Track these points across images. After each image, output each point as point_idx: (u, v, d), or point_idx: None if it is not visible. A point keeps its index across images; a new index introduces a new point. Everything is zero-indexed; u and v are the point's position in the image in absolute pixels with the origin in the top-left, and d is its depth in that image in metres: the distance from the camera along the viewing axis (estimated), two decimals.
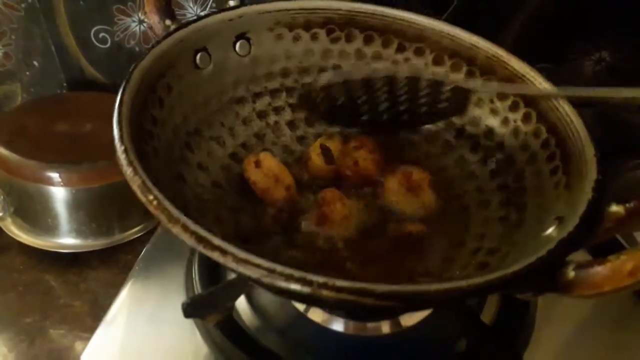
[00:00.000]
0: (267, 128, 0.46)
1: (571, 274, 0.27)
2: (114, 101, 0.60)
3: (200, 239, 0.27)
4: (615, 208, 0.29)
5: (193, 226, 0.28)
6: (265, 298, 0.42)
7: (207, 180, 0.40)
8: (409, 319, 0.41)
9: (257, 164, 0.40)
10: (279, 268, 0.26)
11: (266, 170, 0.40)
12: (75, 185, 0.54)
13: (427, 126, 0.46)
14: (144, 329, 0.40)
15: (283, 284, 0.26)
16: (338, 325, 0.41)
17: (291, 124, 0.47)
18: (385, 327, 0.41)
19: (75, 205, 0.56)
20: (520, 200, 0.38)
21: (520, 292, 0.29)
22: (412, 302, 0.26)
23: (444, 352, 0.39)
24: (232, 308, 0.40)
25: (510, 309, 0.40)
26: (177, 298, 0.41)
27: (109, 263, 0.57)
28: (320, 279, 0.26)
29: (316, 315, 0.42)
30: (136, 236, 0.59)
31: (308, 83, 0.46)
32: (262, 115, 0.46)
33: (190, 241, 0.28)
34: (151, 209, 0.29)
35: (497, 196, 0.40)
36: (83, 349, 0.47)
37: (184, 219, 0.28)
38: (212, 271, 0.43)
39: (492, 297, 0.41)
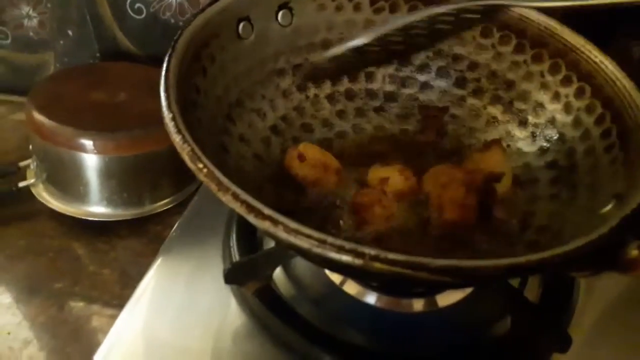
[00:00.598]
0: (307, 101, 0.45)
1: (634, 252, 0.25)
2: (148, 72, 0.61)
3: (251, 208, 0.27)
4: None
5: (243, 195, 0.27)
6: (301, 269, 0.42)
7: (249, 152, 0.40)
8: (447, 298, 0.40)
9: (301, 158, 0.39)
10: (330, 239, 0.26)
11: (312, 162, 0.39)
12: (108, 153, 0.54)
13: (472, 101, 0.44)
14: (179, 298, 0.40)
15: (335, 255, 0.25)
16: (371, 298, 0.41)
17: (330, 98, 0.46)
18: (419, 305, 0.40)
19: (108, 173, 0.56)
20: (572, 178, 0.36)
21: (578, 270, 0.28)
22: (468, 278, 0.25)
23: (483, 333, 0.38)
24: (271, 277, 0.40)
25: (553, 288, 0.39)
26: (213, 267, 0.41)
27: (138, 233, 0.57)
28: (372, 251, 0.25)
29: (351, 287, 0.41)
30: (166, 208, 0.59)
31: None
32: (302, 87, 0.45)
33: (240, 210, 0.27)
34: (201, 177, 0.28)
35: (546, 174, 0.38)
36: (111, 315, 0.48)
37: (234, 187, 0.27)
38: (249, 241, 0.42)
39: (534, 276, 0.40)
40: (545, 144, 0.40)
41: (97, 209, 0.57)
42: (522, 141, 0.41)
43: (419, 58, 0.46)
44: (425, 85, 0.46)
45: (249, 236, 0.43)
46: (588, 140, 0.37)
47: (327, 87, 0.46)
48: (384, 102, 0.46)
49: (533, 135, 0.41)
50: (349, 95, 0.46)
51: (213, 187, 0.27)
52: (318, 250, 0.26)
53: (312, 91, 0.45)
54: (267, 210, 0.26)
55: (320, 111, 0.45)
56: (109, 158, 0.55)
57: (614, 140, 0.35)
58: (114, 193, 0.57)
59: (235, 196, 0.27)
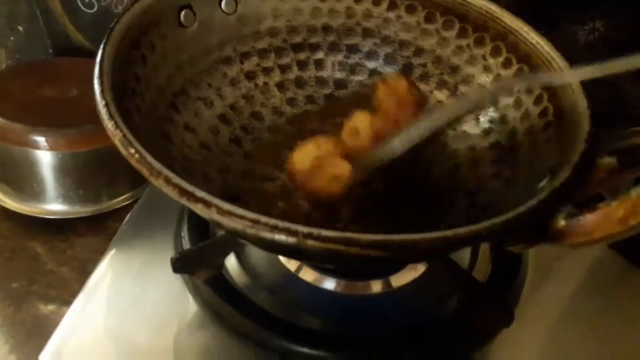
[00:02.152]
0: (256, 89, 0.45)
1: (562, 222, 0.26)
2: None
3: (183, 192, 0.27)
4: (608, 159, 0.29)
5: (176, 179, 0.27)
6: (255, 258, 0.42)
7: (195, 141, 0.40)
8: (400, 279, 0.41)
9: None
10: (263, 219, 0.26)
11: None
12: (61, 149, 0.53)
13: (419, 86, 0.45)
14: (131, 289, 0.40)
15: (267, 234, 0.26)
16: (329, 284, 0.41)
17: (280, 86, 0.46)
18: (377, 287, 0.41)
19: (62, 170, 0.55)
20: (512, 158, 0.37)
21: (511, 244, 0.29)
22: (398, 252, 0.25)
23: (435, 312, 0.39)
24: (222, 265, 0.40)
25: (501, 267, 0.40)
26: (165, 258, 0.41)
27: (96, 230, 0.56)
28: (305, 229, 0.25)
29: (307, 274, 0.41)
30: (124, 204, 0.58)
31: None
32: (250, 76, 0.45)
33: (172, 194, 0.27)
34: (132, 162, 0.28)
35: (489, 155, 0.39)
36: None
37: (166, 171, 0.27)
38: (200, 230, 0.42)
39: (484, 256, 0.41)
40: (488, 126, 0.41)
41: (53, 206, 0.56)
42: (467, 124, 0.42)
43: (367, 45, 0.46)
44: (374, 72, 0.46)
45: (200, 226, 0.43)
46: (528, 120, 0.38)
47: (276, 75, 0.46)
48: (334, 90, 0.47)
49: (477, 118, 0.42)
50: (299, 83, 0.46)
51: (145, 172, 0.27)
52: (251, 231, 0.26)
53: (261, 79, 0.45)
54: (199, 193, 0.26)
55: (270, 99, 0.45)
56: (62, 154, 0.54)
57: (551, 118, 0.35)
58: (70, 190, 0.56)
59: (167, 180, 0.27)
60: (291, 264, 0.42)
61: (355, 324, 0.39)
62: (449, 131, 0.43)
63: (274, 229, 0.25)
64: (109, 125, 0.29)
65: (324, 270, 0.41)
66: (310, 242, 0.25)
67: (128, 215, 0.46)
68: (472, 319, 0.36)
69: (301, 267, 0.42)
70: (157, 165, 0.27)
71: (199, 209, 0.26)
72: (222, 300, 0.38)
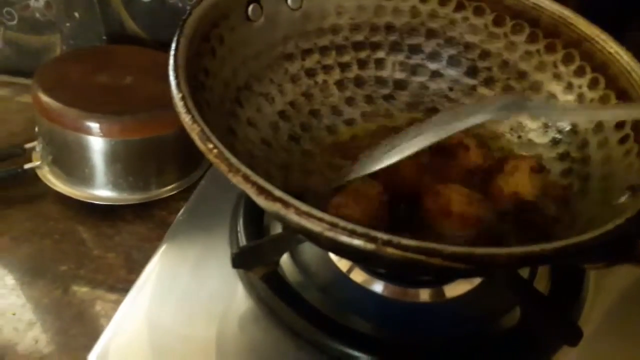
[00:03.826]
0: (315, 87, 0.45)
1: None
2: (155, 56, 0.61)
3: (261, 190, 0.26)
4: None
5: (254, 176, 0.27)
6: (308, 256, 0.42)
7: (257, 137, 0.40)
8: (453, 290, 0.40)
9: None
10: (342, 223, 0.25)
11: None
12: (114, 136, 0.54)
13: (483, 91, 0.44)
14: (184, 282, 0.40)
15: (346, 239, 0.25)
16: (379, 287, 0.40)
17: (339, 84, 0.45)
18: (426, 295, 0.40)
19: (113, 157, 0.55)
20: (584, 170, 0.36)
21: (592, 262, 0.28)
22: (481, 265, 0.24)
23: (492, 324, 0.38)
24: (278, 262, 0.40)
25: (563, 280, 0.39)
26: (220, 253, 0.41)
27: (143, 218, 0.57)
28: (384, 236, 0.25)
29: (358, 276, 0.41)
30: (172, 193, 0.58)
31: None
32: (310, 73, 0.45)
33: (251, 192, 0.27)
34: (211, 157, 0.28)
35: (558, 165, 0.38)
36: (116, 299, 0.48)
37: (244, 168, 0.27)
38: (257, 226, 0.42)
39: (543, 268, 0.40)
40: (557, 136, 0.40)
41: (102, 192, 0.57)
42: (534, 132, 0.41)
43: (430, 46, 0.45)
44: (435, 74, 0.46)
45: (256, 221, 0.43)
46: (601, 132, 0.37)
47: (336, 74, 0.45)
48: (393, 90, 0.46)
49: (545, 127, 0.41)
50: (358, 82, 0.46)
51: (223, 168, 0.27)
52: (330, 233, 0.25)
53: (321, 77, 0.45)
54: (278, 192, 0.26)
55: (328, 97, 0.45)
56: (114, 141, 0.54)
57: (628, 131, 0.34)
58: (120, 177, 0.57)
59: (246, 177, 0.27)
60: (343, 264, 0.42)
61: (407, 331, 0.39)
62: (514, 138, 0.42)
63: (353, 233, 0.25)
64: (186, 118, 0.29)
65: (375, 273, 0.41)
66: (389, 250, 0.25)
67: (183, 208, 0.46)
68: (535, 333, 0.35)
69: (352, 268, 0.41)
70: (235, 161, 0.27)
71: (277, 208, 0.26)
72: (276, 297, 0.38)
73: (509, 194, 0.36)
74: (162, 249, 0.43)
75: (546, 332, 0.35)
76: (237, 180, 0.27)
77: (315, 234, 0.26)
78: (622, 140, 0.34)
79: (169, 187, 0.59)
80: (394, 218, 0.36)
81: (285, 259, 0.41)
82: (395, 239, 0.25)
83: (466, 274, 0.33)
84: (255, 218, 0.43)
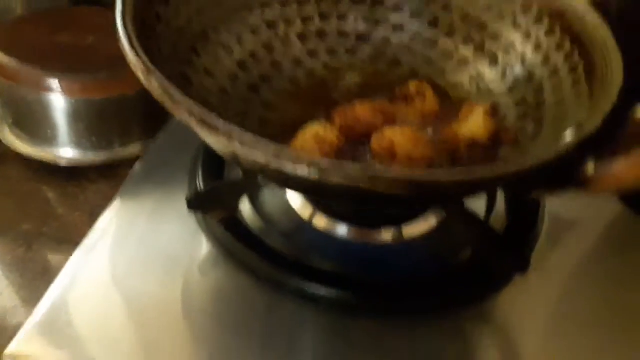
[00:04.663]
0: (277, 39, 0.44)
1: (591, 169, 0.25)
2: None
3: (204, 122, 0.26)
4: None
5: (198, 109, 0.27)
6: (270, 205, 0.42)
7: (214, 86, 0.39)
8: (414, 229, 0.41)
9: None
10: (286, 151, 0.25)
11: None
12: (75, 95, 0.53)
13: (445, 42, 0.44)
14: (142, 230, 0.40)
15: (290, 168, 0.25)
16: (341, 230, 0.41)
17: (302, 37, 0.45)
18: (387, 236, 0.40)
19: (75, 116, 0.54)
20: (538, 114, 0.36)
21: (538, 189, 0.28)
22: (423, 190, 0.25)
23: (449, 261, 0.39)
24: (237, 207, 0.40)
25: (517, 220, 0.39)
26: (178, 200, 0.41)
27: (108, 177, 0.56)
28: (327, 163, 0.25)
29: (320, 221, 0.41)
30: (136, 153, 0.57)
31: None
32: (271, 25, 0.44)
33: (194, 124, 0.26)
34: (155, 92, 0.28)
35: (515, 111, 0.38)
36: None
37: (189, 102, 0.27)
38: (215, 173, 0.42)
39: (499, 207, 0.40)
40: (514, 83, 0.40)
41: (65, 152, 0.56)
42: (492, 81, 0.41)
43: None
44: (397, 27, 0.45)
45: (215, 169, 0.42)
46: (556, 76, 0.37)
47: (298, 26, 0.45)
48: (355, 43, 0.46)
49: (503, 75, 0.41)
50: (321, 35, 0.45)
51: (167, 101, 0.27)
52: (275, 164, 0.25)
53: (282, 29, 0.44)
54: (222, 124, 0.26)
55: (290, 49, 0.44)
56: (75, 100, 0.53)
57: (581, 74, 0.35)
58: (83, 137, 0.56)
59: (190, 111, 0.26)
60: (305, 212, 0.42)
61: (368, 270, 0.39)
62: (473, 88, 0.42)
63: (297, 161, 0.25)
64: (130, 55, 0.29)
65: (337, 217, 0.41)
66: (333, 178, 0.25)
67: (141, 158, 0.46)
68: (487, 265, 0.36)
69: (314, 215, 0.41)
70: (179, 95, 0.27)
71: (220, 140, 0.26)
72: (235, 240, 0.38)
73: (463, 138, 0.36)
74: (118, 200, 0.42)
75: (497, 264, 0.35)
76: (180, 112, 0.26)
77: (261, 165, 0.26)
78: (575, 83, 0.35)
79: (133, 147, 0.58)
80: (351, 160, 0.36)
81: (247, 209, 0.41)
82: (339, 165, 0.25)
83: (414, 201, 0.33)
84: (215, 166, 0.42)
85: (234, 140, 0.26)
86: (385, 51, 0.45)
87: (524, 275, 0.36)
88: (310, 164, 0.25)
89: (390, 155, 0.35)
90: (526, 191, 0.29)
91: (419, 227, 0.40)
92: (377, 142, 0.35)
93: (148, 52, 0.31)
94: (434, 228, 0.40)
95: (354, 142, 0.38)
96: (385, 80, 0.44)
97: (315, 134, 0.35)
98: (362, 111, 0.37)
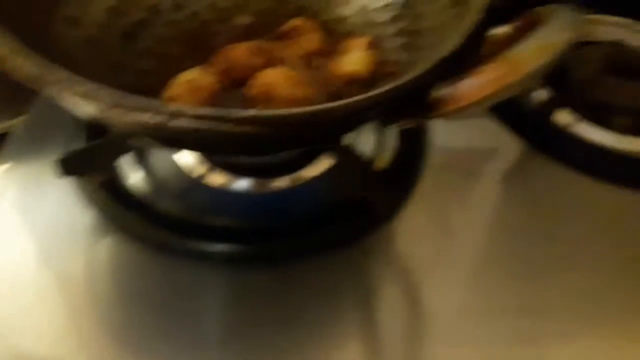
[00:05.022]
0: None
1: (440, 91, 0.25)
2: None
3: (40, 73, 0.24)
4: (502, 29, 0.27)
5: (32, 59, 0.24)
6: (159, 166, 0.40)
7: (79, 37, 0.36)
8: (310, 172, 0.40)
9: None
10: (126, 99, 0.24)
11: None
12: None
13: None
14: (23, 205, 0.38)
15: (130, 117, 0.24)
16: (238, 185, 0.40)
17: None
18: (286, 182, 0.40)
19: None
20: (417, 43, 0.36)
21: (395, 119, 0.27)
22: (273, 127, 0.24)
23: (340, 199, 0.38)
24: (113, 168, 0.38)
25: (402, 157, 0.40)
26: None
27: None
28: (173, 108, 0.23)
29: (214, 179, 0.40)
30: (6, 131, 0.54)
31: None
32: None
33: (27, 76, 0.24)
34: None
35: (395, 41, 0.37)
36: None
37: (24, 51, 0.24)
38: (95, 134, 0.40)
39: (389, 145, 0.40)
40: (396, 12, 0.39)
41: None
42: (376, 11, 0.40)
43: None
44: None
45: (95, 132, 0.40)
46: (433, 1, 0.36)
47: None
48: None
49: (387, 5, 0.39)
50: None
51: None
52: (113, 114, 0.24)
53: None
54: (53, 76, 0.24)
55: None
56: None
57: None
58: None
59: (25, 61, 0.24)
60: (195, 171, 0.40)
61: (264, 219, 0.39)
62: (358, 19, 0.40)
63: (138, 108, 0.23)
64: None
65: (231, 171, 0.40)
66: (179, 122, 0.23)
67: (15, 131, 0.43)
68: (368, 203, 0.36)
69: (207, 174, 0.40)
70: (15, 45, 0.24)
71: (54, 92, 0.24)
72: (120, 206, 0.37)
73: (344, 73, 0.35)
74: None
75: (378, 202, 0.35)
76: (12, 66, 0.24)
77: (100, 117, 0.24)
78: (446, 6, 0.34)
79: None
80: (231, 105, 0.35)
81: (135, 172, 0.40)
82: (185, 108, 0.23)
83: (277, 144, 0.32)
84: (97, 128, 0.40)
85: (68, 90, 0.24)
86: None
87: (406, 211, 0.36)
88: (153, 110, 0.23)
89: (267, 98, 0.33)
90: (386, 122, 0.28)
91: (314, 170, 0.39)
92: (253, 85, 0.34)
93: None
94: (327, 170, 0.39)
95: (237, 87, 0.36)
96: (274, 19, 0.42)
97: (188, 80, 0.33)
98: (239, 53, 0.35)
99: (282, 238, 0.37)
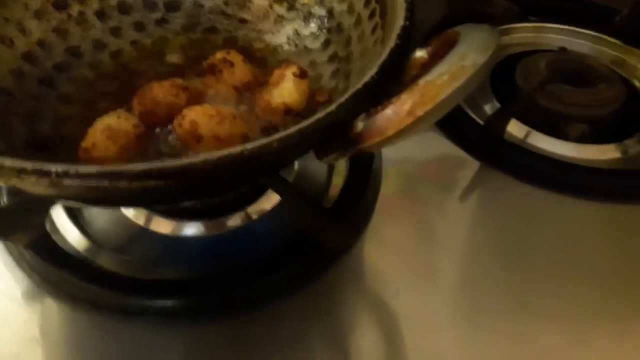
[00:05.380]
0: (70, 21, 0.39)
1: (360, 125, 0.23)
2: None
3: None
4: (419, 53, 0.26)
5: None
6: (97, 218, 0.37)
7: None
8: (259, 208, 0.38)
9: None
10: (7, 162, 0.21)
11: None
12: None
13: (258, 1, 0.40)
14: None
15: (15, 180, 0.21)
16: (186, 230, 0.37)
17: (100, 14, 0.40)
18: (236, 221, 0.37)
19: None
20: (347, 68, 0.34)
21: (323, 154, 0.25)
22: (179, 178, 0.21)
23: (291, 237, 0.36)
24: (42, 225, 0.35)
25: (348, 194, 0.37)
26: None
27: None
28: (59, 168, 0.21)
29: (161, 226, 0.37)
30: None
31: None
32: (60, 5, 0.39)
33: None
34: None
35: (328, 68, 0.36)
36: None
37: None
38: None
39: (335, 184, 0.38)
40: (326, 37, 0.37)
41: None
42: (308, 38, 0.38)
43: None
44: None
45: None
46: (360, 25, 0.35)
47: (94, 3, 0.40)
48: (165, 13, 0.41)
49: (317, 30, 0.38)
50: (123, 9, 0.41)
51: None
52: (19, 183, 0.21)
53: (75, 9, 0.39)
54: None
55: (89, 31, 0.39)
56: None
57: (377, 20, 0.32)
58: None
59: None
60: (139, 218, 0.38)
61: (214, 265, 0.36)
62: (291, 47, 0.39)
63: (22, 172, 0.21)
64: None
65: (178, 216, 0.37)
66: (68, 182, 0.21)
67: None
68: (317, 242, 0.34)
69: (151, 219, 0.38)
70: None
71: None
72: (53, 267, 0.34)
73: (277, 105, 0.33)
74: None
75: (326, 239, 0.33)
76: None
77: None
78: (374, 30, 0.32)
79: None
80: (157, 148, 0.33)
81: (71, 228, 0.37)
82: (73, 168, 0.21)
83: (184, 193, 0.29)
84: None
85: None
86: (199, 18, 0.41)
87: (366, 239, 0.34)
88: (38, 173, 0.21)
89: (195, 138, 0.31)
90: (318, 156, 0.26)
91: (266, 204, 0.37)
92: (179, 125, 0.32)
93: None
94: (278, 203, 0.37)
95: (161, 128, 0.34)
96: (204, 55, 0.40)
97: (106, 127, 0.31)
98: (161, 92, 0.33)
99: (239, 284, 0.34)
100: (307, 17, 0.39)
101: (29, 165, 0.21)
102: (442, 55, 0.24)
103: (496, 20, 0.47)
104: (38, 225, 0.34)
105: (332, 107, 0.23)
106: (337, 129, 0.24)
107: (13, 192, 0.37)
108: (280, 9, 0.40)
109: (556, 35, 0.48)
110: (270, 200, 0.38)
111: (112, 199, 0.26)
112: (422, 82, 0.21)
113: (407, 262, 0.36)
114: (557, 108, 0.43)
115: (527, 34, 0.48)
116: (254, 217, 0.38)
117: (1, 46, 0.35)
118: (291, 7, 0.39)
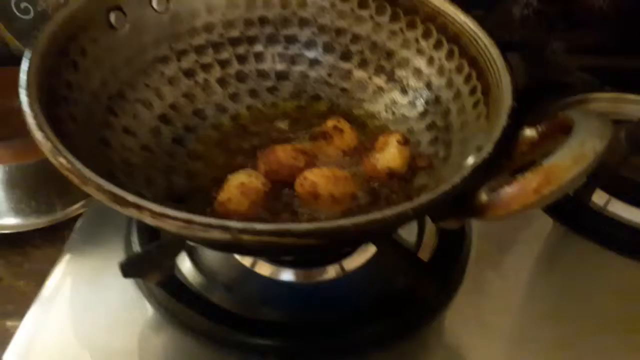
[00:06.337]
0: (196, 87, 0.45)
1: (484, 197, 0.27)
2: None
3: (114, 197, 0.27)
4: (528, 132, 0.30)
5: (107, 185, 0.27)
6: (210, 257, 0.42)
7: (135, 144, 0.40)
8: (352, 263, 0.42)
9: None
10: (196, 218, 0.26)
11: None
12: (7, 161, 0.52)
13: (359, 73, 0.46)
14: (85, 296, 0.40)
15: (201, 233, 0.26)
16: (286, 276, 0.42)
17: (222, 81, 0.46)
18: (331, 272, 0.42)
19: (11, 183, 0.54)
20: (447, 137, 0.38)
21: (441, 220, 0.29)
22: (332, 238, 0.26)
23: (386, 291, 0.40)
24: (173, 267, 0.40)
25: (446, 243, 0.41)
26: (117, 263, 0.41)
27: (52, 240, 0.55)
28: (239, 225, 0.26)
29: (263, 268, 0.42)
30: (79, 212, 0.57)
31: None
32: (189, 73, 0.45)
33: (105, 199, 0.27)
34: (63, 171, 0.28)
35: (427, 135, 0.40)
36: None
37: (96, 178, 0.27)
38: (150, 232, 0.42)
39: (430, 236, 0.42)
40: (424, 108, 0.42)
41: (6, 220, 0.55)
42: (405, 107, 0.43)
43: (305, 34, 0.47)
44: (314, 62, 0.47)
45: (149, 229, 0.43)
46: (459, 99, 0.39)
47: (216, 71, 0.46)
48: (276, 82, 0.47)
49: (414, 100, 0.43)
50: (240, 78, 0.46)
51: (76, 180, 0.27)
52: (186, 231, 0.26)
53: (201, 76, 0.45)
54: (131, 197, 0.27)
55: (212, 96, 0.45)
56: (9, 167, 0.53)
57: (479, 96, 0.37)
58: (21, 202, 0.55)
59: (99, 187, 0.27)
60: (246, 260, 0.42)
61: (312, 311, 0.40)
62: (389, 115, 0.43)
63: (208, 227, 0.26)
64: (37, 136, 0.29)
65: (280, 262, 0.42)
66: (245, 237, 0.26)
67: (78, 222, 0.46)
68: (417, 296, 0.37)
69: (256, 262, 0.42)
70: (87, 172, 0.27)
71: (132, 213, 0.27)
72: (176, 301, 0.39)
73: (382, 169, 0.38)
74: (62, 263, 0.42)
75: (425, 294, 0.37)
76: (90, 190, 0.27)
77: (174, 233, 0.27)
78: (475, 105, 0.37)
79: (75, 206, 0.57)
80: (280, 203, 0.37)
81: (187, 264, 0.42)
82: (250, 225, 0.26)
83: (333, 248, 0.34)
84: (149, 225, 0.43)
85: (144, 213, 0.26)
86: (305, 87, 0.47)
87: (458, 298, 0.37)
88: (220, 228, 0.26)
89: (314, 197, 0.36)
90: (433, 221, 0.30)
91: (358, 260, 0.41)
92: (300, 185, 0.36)
93: (58, 122, 0.31)
94: (371, 259, 0.41)
95: (282, 185, 0.39)
96: (308, 116, 0.45)
97: (240, 184, 0.36)
98: (283, 154, 0.38)
99: (329, 334, 0.38)
100: (404, 88, 0.43)
101: (213, 221, 0.26)
102: (552, 136, 0.28)
103: (574, 89, 0.51)
104: (170, 266, 0.39)
105: (457, 180, 0.27)
106: (457, 199, 0.28)
107: (144, 238, 0.42)
108: (379, 81, 0.45)
109: (634, 106, 0.51)
110: (364, 254, 0.42)
111: (256, 251, 0.31)
112: (547, 164, 0.25)
113: (492, 332, 0.38)
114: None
115: (604, 103, 0.51)
116: (348, 270, 0.42)
117: (143, 108, 0.42)
118: (389, 79, 0.44)
